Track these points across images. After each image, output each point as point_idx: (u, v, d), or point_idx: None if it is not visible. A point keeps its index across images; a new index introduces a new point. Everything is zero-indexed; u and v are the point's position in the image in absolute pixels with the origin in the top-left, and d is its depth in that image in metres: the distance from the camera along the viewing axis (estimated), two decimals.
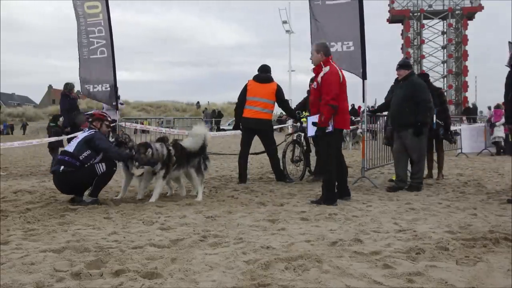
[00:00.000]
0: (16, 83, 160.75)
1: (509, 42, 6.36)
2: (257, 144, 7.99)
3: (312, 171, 8.04)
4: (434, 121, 7.66)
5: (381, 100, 10.18)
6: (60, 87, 10.45)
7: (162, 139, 5.89)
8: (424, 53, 45.10)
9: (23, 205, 5.35)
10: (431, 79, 9.48)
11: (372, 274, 2.85)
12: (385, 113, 7.93)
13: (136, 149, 5.59)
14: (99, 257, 3.14)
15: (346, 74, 5.97)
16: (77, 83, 9.62)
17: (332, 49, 7.32)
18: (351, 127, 17.57)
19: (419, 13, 44.10)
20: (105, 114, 6.00)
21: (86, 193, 5.60)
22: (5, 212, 4.87)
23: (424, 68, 41.41)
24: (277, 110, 18.58)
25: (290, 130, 13.95)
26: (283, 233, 3.97)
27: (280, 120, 25.93)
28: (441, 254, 3.28)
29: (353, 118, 19.75)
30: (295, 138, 8.14)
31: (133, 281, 2.74)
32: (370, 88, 7.48)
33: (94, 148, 5.47)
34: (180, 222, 4.43)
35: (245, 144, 7.55)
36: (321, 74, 5.45)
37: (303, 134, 8.03)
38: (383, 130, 8.83)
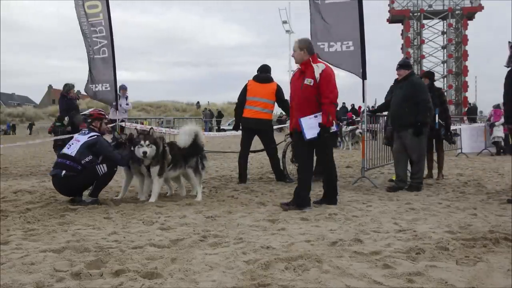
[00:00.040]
0: (16, 83, 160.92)
1: (509, 42, 6.36)
2: (257, 144, 7.99)
3: None
4: (436, 121, 7.67)
5: (381, 100, 10.17)
6: (60, 87, 10.49)
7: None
8: (424, 53, 45.10)
9: (23, 205, 5.35)
10: None
11: (372, 274, 2.85)
12: (385, 113, 7.93)
13: (137, 137, 5.63)
14: (99, 257, 3.14)
15: (346, 74, 5.97)
16: (78, 83, 9.66)
17: (332, 49, 7.35)
18: (350, 127, 17.63)
19: (419, 13, 44.09)
20: (103, 112, 5.97)
21: (86, 193, 5.60)
22: (5, 212, 4.87)
23: (424, 68, 41.41)
24: (277, 110, 18.62)
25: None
26: (283, 233, 3.97)
27: (280, 120, 25.96)
28: (441, 254, 3.28)
29: (354, 117, 19.83)
30: None
31: (133, 281, 2.74)
32: (370, 88, 7.48)
33: (96, 153, 5.46)
34: (180, 222, 4.43)
35: (245, 144, 7.55)
36: (318, 71, 5.15)
37: None
38: (383, 130, 8.84)
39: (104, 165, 5.46)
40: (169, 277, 2.80)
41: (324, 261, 3.10)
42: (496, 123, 14.18)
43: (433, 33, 45.91)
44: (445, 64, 45.16)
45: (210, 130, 30.40)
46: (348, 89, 13.60)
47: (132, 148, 5.64)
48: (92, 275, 2.82)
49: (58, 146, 9.39)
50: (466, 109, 34.47)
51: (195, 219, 4.58)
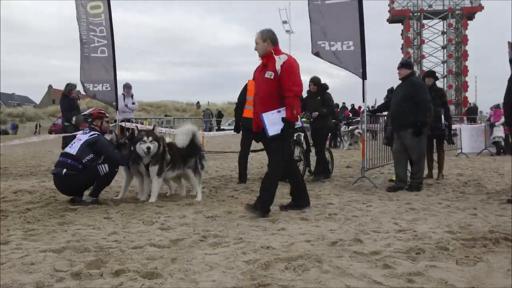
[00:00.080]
0: (16, 83, 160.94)
1: (508, 42, 6.36)
2: (257, 144, 7.98)
3: (312, 171, 8.05)
4: (443, 122, 7.70)
5: (381, 100, 10.15)
6: (60, 87, 10.51)
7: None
8: (424, 53, 45.13)
9: (23, 205, 5.35)
10: None
11: (372, 274, 2.85)
12: (385, 113, 7.93)
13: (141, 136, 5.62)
14: (99, 257, 3.14)
15: (346, 74, 5.95)
16: (78, 83, 9.65)
17: (332, 49, 7.35)
18: (350, 127, 17.65)
19: (419, 13, 44.11)
20: (103, 111, 5.98)
21: (87, 193, 5.61)
22: (5, 212, 4.86)
23: (424, 68, 41.43)
24: None
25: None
26: (283, 233, 3.97)
27: None
28: (441, 254, 3.28)
29: (350, 115, 19.86)
30: (295, 138, 8.14)
31: (133, 281, 2.74)
32: (370, 88, 7.49)
33: (97, 151, 5.47)
34: (180, 222, 4.43)
35: (245, 144, 7.55)
36: (279, 62, 4.75)
37: (303, 134, 8.03)
38: (383, 130, 8.84)
39: (106, 165, 5.47)
40: (169, 277, 2.80)
41: (324, 261, 3.09)
42: (496, 123, 14.19)
43: (433, 33, 45.99)
44: (445, 64, 45.18)
45: (210, 130, 30.37)
46: (348, 89, 13.68)
47: (132, 147, 5.64)
48: (92, 275, 2.82)
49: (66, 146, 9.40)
50: (466, 109, 34.50)
51: (195, 219, 4.58)
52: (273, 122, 4.78)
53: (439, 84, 41.33)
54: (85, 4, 9.23)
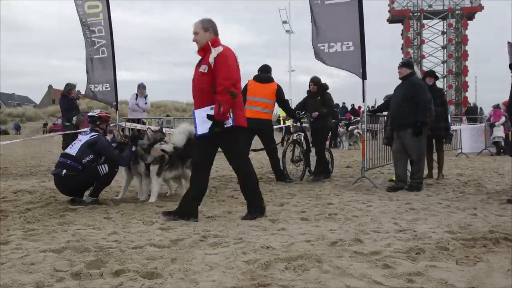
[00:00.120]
0: (16, 83, 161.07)
1: (508, 42, 6.37)
2: (257, 144, 7.99)
3: (312, 171, 8.05)
4: (450, 121, 7.72)
5: (381, 100, 10.16)
6: (60, 87, 10.50)
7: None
8: (424, 53, 45.13)
9: (23, 205, 5.35)
10: None
11: (372, 274, 2.85)
12: (385, 113, 7.94)
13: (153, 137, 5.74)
14: (99, 257, 3.14)
15: (346, 74, 5.95)
16: (79, 83, 9.67)
17: (332, 49, 7.35)
18: (350, 127, 17.64)
19: (419, 13, 44.12)
20: (109, 115, 6.00)
21: (87, 193, 5.61)
22: (5, 212, 4.87)
23: (424, 68, 41.43)
24: (277, 110, 18.60)
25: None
26: (283, 233, 3.97)
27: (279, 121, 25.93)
28: (441, 254, 3.28)
29: (352, 118, 19.83)
30: (295, 138, 8.15)
31: (133, 281, 2.74)
32: (370, 88, 7.49)
33: (97, 152, 5.47)
34: (180, 222, 4.43)
35: (245, 144, 7.53)
36: (213, 55, 4.33)
37: (303, 134, 8.04)
38: (383, 130, 8.84)
39: (106, 165, 5.47)
40: (169, 277, 2.79)
41: (324, 261, 3.09)
42: (496, 123, 14.19)
43: (433, 33, 45.99)
44: (445, 64, 45.19)
45: None
46: (348, 89, 13.71)
47: (133, 148, 5.65)
48: (92, 275, 2.82)
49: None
50: (465, 109, 34.50)
51: (195, 219, 4.57)
52: (203, 120, 4.38)
53: (439, 84, 41.44)
54: (83, 3, 9.23)
